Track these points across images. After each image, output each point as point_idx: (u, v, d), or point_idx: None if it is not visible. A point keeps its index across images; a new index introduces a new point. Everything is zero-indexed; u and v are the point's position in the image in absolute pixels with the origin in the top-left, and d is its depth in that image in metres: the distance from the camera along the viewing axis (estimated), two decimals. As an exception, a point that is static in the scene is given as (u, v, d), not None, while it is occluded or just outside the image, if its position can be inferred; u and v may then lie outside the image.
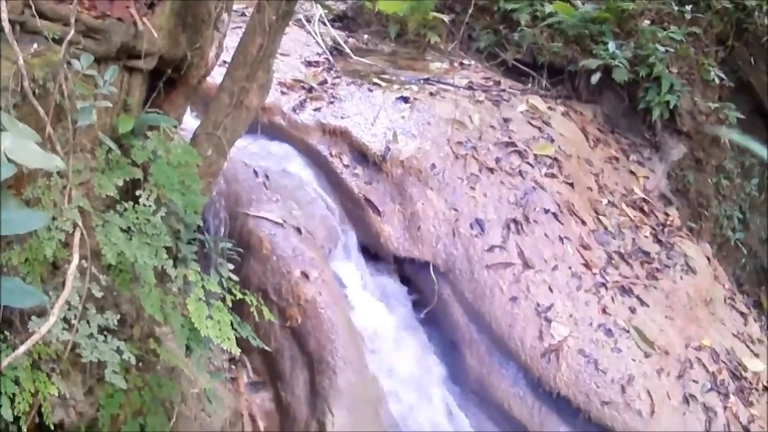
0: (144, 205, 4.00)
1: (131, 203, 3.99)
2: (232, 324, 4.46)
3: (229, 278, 4.97)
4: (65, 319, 3.68)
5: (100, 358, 3.71)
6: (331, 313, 5.56)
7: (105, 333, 3.84)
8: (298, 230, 5.86)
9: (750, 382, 6.40)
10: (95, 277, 3.86)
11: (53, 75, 3.67)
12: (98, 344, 3.73)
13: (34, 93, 3.61)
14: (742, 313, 7.14)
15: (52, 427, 4.05)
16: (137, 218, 3.93)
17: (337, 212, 6.21)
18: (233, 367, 5.72)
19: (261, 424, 5.63)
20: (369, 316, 5.86)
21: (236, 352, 4.36)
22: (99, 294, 3.80)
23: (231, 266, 5.08)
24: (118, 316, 3.96)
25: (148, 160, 4.15)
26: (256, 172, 6.17)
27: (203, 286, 4.36)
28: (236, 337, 4.45)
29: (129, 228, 3.92)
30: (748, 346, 6.78)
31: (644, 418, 5.72)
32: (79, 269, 3.68)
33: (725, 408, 6.01)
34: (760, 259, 9.13)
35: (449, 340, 6.11)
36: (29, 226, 3.09)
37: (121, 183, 3.99)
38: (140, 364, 4.58)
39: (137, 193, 4.13)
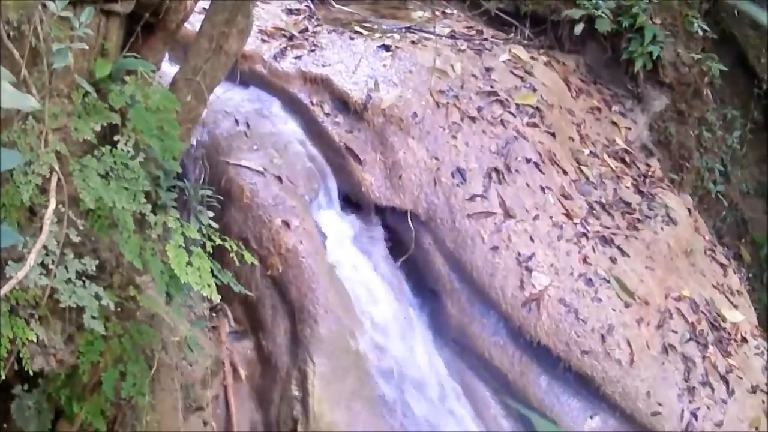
0: (122, 150, 3.96)
1: (109, 148, 3.94)
2: (212, 271, 4.44)
3: (209, 226, 4.95)
4: (43, 264, 3.66)
5: (78, 303, 3.69)
6: (312, 262, 5.55)
7: (83, 278, 3.82)
8: (279, 179, 5.83)
9: (729, 333, 6.44)
10: (73, 222, 3.83)
11: (28, 17, 3.61)
12: (76, 289, 3.71)
13: (8, 36, 3.56)
14: (721, 265, 7.16)
15: (32, 375, 4.04)
16: (115, 163, 3.89)
17: (318, 161, 6.17)
18: (214, 316, 5.71)
19: (242, 373, 5.64)
20: (350, 265, 5.85)
21: (216, 298, 4.34)
22: (77, 239, 3.77)
23: (211, 214, 5.05)
24: (97, 262, 3.93)
25: (126, 105, 4.11)
26: (236, 121, 6.12)
27: (183, 233, 4.34)
28: (217, 286, 4.43)
29: (107, 173, 3.88)
30: (727, 297, 6.81)
31: (624, 367, 5.76)
32: (57, 214, 3.65)
33: (704, 358, 6.05)
34: (741, 211, 9.16)
35: (430, 289, 6.12)
36: (4, 165, 3.04)
37: (98, 128, 3.94)
38: (120, 311, 4.56)
39: (115, 138, 4.08)
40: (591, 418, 5.82)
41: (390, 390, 5.69)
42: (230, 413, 5.51)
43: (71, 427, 4.70)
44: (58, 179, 3.65)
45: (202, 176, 5.59)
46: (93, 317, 3.75)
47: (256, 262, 5.33)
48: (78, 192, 3.71)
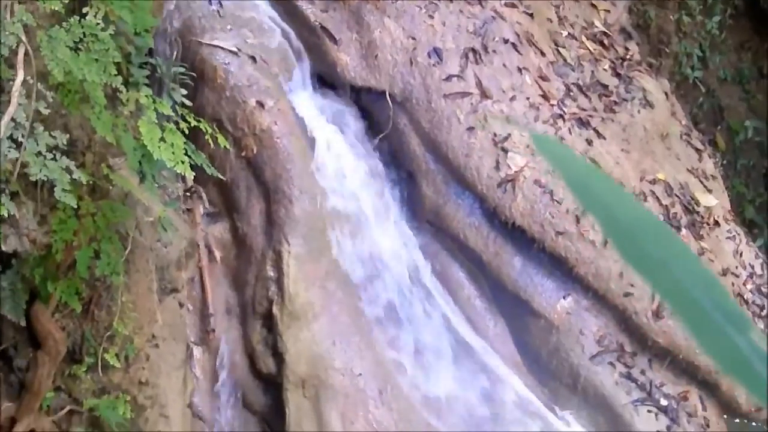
0: (91, 21, 3.86)
1: (77, 18, 3.84)
2: (186, 151, 4.39)
3: (183, 104, 4.87)
4: (12, 138, 3.60)
5: (48, 176, 3.64)
6: (287, 143, 5.50)
7: (54, 152, 3.76)
8: (253, 59, 5.73)
9: (702, 216, 6.48)
10: (42, 95, 3.75)
11: None
12: (47, 162, 3.66)
13: None
14: (697, 149, 7.17)
15: (6, 256, 4.02)
16: (84, 34, 3.80)
17: (293, 41, 6.06)
18: (188, 198, 5.68)
19: (217, 255, 5.64)
20: (325, 145, 5.81)
21: (190, 175, 4.31)
22: (46, 111, 3.70)
23: (184, 92, 4.97)
24: (67, 136, 3.87)
25: (95, -25, 3.99)
26: (210, 0, 5.98)
27: (155, 109, 4.27)
28: (191, 167, 4.39)
29: (76, 45, 3.79)
30: (701, 182, 6.84)
31: (597, 248, 5.80)
32: (26, 87, 3.58)
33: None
34: (718, 98, 9.12)
35: (405, 170, 6.10)
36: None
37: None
38: (93, 191, 4.53)
39: (84, 10, 3.98)
40: (564, 298, 5.88)
41: (365, 271, 5.72)
42: (205, 294, 5.53)
43: (46, 308, 4.70)
44: (26, 52, 3.57)
45: (174, 54, 5.48)
46: (64, 190, 3.70)
47: (230, 145, 5.29)
48: (46, 63, 3.63)
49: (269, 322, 5.38)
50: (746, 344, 0.98)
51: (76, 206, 4.20)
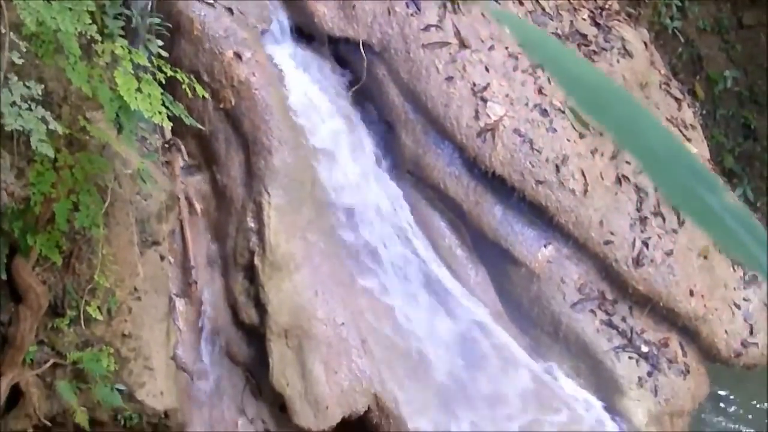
0: (63, -31, 3.83)
1: (49, -34, 3.81)
2: (163, 102, 4.38)
3: (159, 55, 4.84)
4: (-14, 88, 3.58)
5: (24, 126, 3.62)
6: (265, 94, 5.48)
7: (29, 102, 3.74)
8: (230, 10, 5.69)
9: (681, 165, 6.49)
10: (15, 44, 3.72)
11: None
12: (22, 112, 3.65)
13: None
14: (676, 99, 7.16)
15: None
16: (57, -18, 3.76)
17: (269, -9, 6.02)
18: (167, 150, 5.66)
19: (197, 207, 5.64)
20: (303, 97, 5.79)
21: (168, 127, 4.32)
22: (20, 61, 3.68)
23: (160, 43, 4.94)
24: (43, 86, 3.85)
25: None
26: (184, -49, 5.92)
27: (131, 60, 4.25)
28: (169, 119, 4.38)
29: (49, -5, 3.75)
30: (681, 131, 6.84)
31: (577, 197, 5.82)
32: (-2, 37, 3.55)
33: (656, 189, 6.11)
34: (697, 48, 9.11)
35: (385, 121, 6.10)
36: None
37: (37, -53, 3.79)
38: (70, 144, 4.52)
39: (56, -42, 3.94)
40: (545, 246, 5.91)
41: (345, 221, 5.73)
42: (186, 247, 5.54)
43: (27, 262, 4.70)
44: (-2, 1, 3.54)
45: (150, 4, 5.42)
46: (41, 140, 3.68)
47: (207, 96, 5.27)
48: (18, 13, 3.60)
49: (251, 273, 5.39)
50: (718, 202, 1.01)
51: (53, 158, 4.19)
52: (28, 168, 4.39)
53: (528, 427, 5.63)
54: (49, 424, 4.98)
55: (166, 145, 5.62)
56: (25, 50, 3.80)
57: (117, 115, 4.25)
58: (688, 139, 6.81)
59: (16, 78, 3.74)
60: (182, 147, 5.67)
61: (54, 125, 3.79)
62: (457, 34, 5.95)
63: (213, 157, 5.66)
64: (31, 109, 3.70)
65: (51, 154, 3.82)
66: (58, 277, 4.91)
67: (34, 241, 4.54)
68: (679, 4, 8.74)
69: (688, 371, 6.02)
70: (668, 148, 1.03)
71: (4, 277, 4.59)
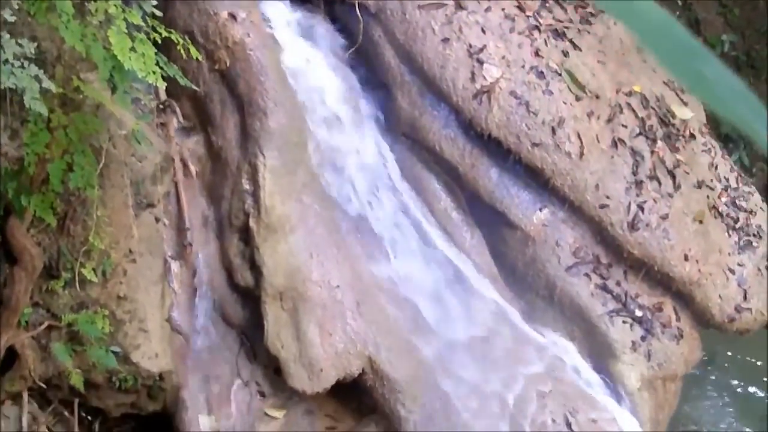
0: None
1: None
2: (158, 62, 4.35)
3: (153, 15, 4.80)
4: (-22, 46, 3.55)
5: (17, 84, 3.59)
6: (261, 55, 5.44)
7: (22, 60, 3.71)
8: (224, -30, 5.64)
9: (678, 129, 6.48)
10: (7, 1, 3.69)
11: None
12: (14, 71, 3.62)
13: None
14: (673, 62, 7.13)
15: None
16: (48, -62, 3.72)
17: (264, -49, 5.97)
18: (162, 112, 5.63)
19: (192, 169, 5.62)
20: (299, 58, 5.76)
21: (162, 87, 4.29)
22: (12, 18, 3.64)
23: (154, 2, 4.89)
24: (36, 45, 3.82)
25: None
26: None
27: (125, 19, 4.21)
28: (163, 78, 4.35)
29: (40, -50, 3.72)
30: (677, 94, 6.81)
31: (573, 159, 5.80)
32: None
33: (652, 153, 6.10)
34: (694, 11, 9.10)
35: (380, 83, 6.07)
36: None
37: None
38: (64, 104, 4.49)
39: None
40: (540, 210, 5.91)
41: (341, 183, 5.72)
42: (182, 209, 5.52)
43: (21, 224, 4.69)
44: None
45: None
46: (34, 98, 3.66)
47: (202, 57, 5.24)
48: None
49: (246, 235, 5.38)
50: (711, 72, 1.03)
51: (47, 118, 4.17)
52: (22, 129, 4.37)
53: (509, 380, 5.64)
54: (44, 386, 4.99)
55: (161, 107, 5.60)
56: (17, 7, 3.76)
57: (111, 75, 4.22)
58: (685, 103, 6.78)
59: (8, 36, 3.71)
60: (177, 109, 5.65)
61: (48, 84, 3.76)
62: (454, -6, 5.92)
63: (208, 119, 5.63)
64: (24, 67, 3.68)
65: (45, 112, 3.79)
66: (52, 239, 4.90)
67: (28, 202, 4.52)
68: (677, -34, 8.71)
69: (682, 336, 6.04)
70: (661, 20, 1.05)
71: (-2, 238, 4.59)
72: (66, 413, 5.29)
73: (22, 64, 3.69)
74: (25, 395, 5.03)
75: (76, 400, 5.22)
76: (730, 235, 6.31)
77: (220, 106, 5.57)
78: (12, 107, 4.31)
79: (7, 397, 5.00)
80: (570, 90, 5.92)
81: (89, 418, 5.48)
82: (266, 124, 5.35)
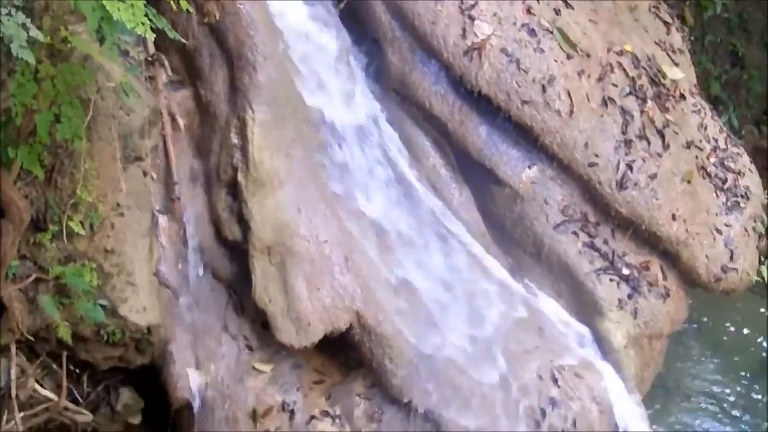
0: None
1: None
2: (147, 14, 4.30)
3: (142, -34, 4.76)
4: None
5: (4, 32, 3.56)
6: (250, 9, 5.41)
7: (9, 8, 3.68)
8: None
9: (668, 89, 6.47)
10: (-7, -51, 3.65)
11: None
12: (2, 18, 3.58)
13: None
14: (665, 23, 7.11)
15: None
16: None
17: None
18: (151, 65, 5.60)
19: (181, 123, 5.61)
20: (288, 12, 5.73)
21: (151, 39, 4.24)
22: (-1, -34, 3.61)
23: (142, -47, 4.85)
24: (23, -6, 3.78)
25: None
26: None
27: (113, -32, 4.16)
28: (152, 30, 4.31)
29: None
30: (668, 55, 6.80)
31: (563, 117, 5.80)
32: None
33: (642, 112, 6.10)
34: (686, -25, 9.06)
35: (371, 38, 6.05)
36: None
37: None
38: (52, 56, 4.46)
39: None
40: (529, 168, 5.91)
41: (330, 138, 5.71)
42: (170, 163, 5.51)
43: (8, 176, 4.67)
44: None
45: None
46: (21, 46, 3.62)
47: (192, 10, 5.20)
48: None
49: (234, 189, 5.37)
50: None
51: (34, 68, 4.14)
52: (9, 80, 4.34)
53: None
54: (32, 338, 5.00)
55: (150, 60, 5.57)
56: (4, -44, 3.72)
57: (99, 26, 4.17)
58: (676, 64, 6.77)
59: (-5, -16, 3.67)
60: (166, 62, 5.62)
61: (35, 32, 3.72)
62: (445, -49, 5.87)
63: (197, 73, 5.61)
64: (11, 15, 3.64)
65: (32, 60, 3.75)
66: (40, 192, 4.89)
67: (15, 154, 4.50)
68: (670, -74, 8.64)
69: (668, 295, 6.07)
70: None
71: (-15, 191, 4.57)
72: (54, 366, 5.30)
73: (9, 11, 3.65)
74: (13, 348, 5.03)
75: (65, 353, 5.22)
76: (717, 196, 6.33)
77: (209, 60, 5.54)
78: (-1, 57, 4.29)
79: (-5, 349, 5.01)
80: (561, 48, 5.91)
81: (77, 371, 5.50)
82: (255, 79, 5.33)
